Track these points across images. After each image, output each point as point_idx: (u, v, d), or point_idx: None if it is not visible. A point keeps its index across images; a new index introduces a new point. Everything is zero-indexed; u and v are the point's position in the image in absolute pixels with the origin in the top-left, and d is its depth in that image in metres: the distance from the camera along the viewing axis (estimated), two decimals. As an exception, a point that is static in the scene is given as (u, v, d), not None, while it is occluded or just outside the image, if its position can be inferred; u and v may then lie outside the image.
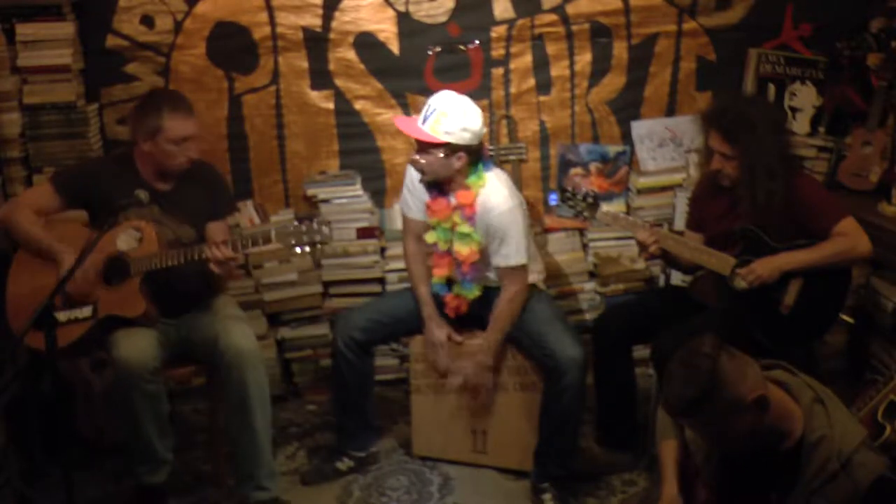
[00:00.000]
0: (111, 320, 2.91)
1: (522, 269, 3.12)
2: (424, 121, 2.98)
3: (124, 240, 2.93)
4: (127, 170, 3.02)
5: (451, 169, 3.01)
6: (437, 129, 2.94)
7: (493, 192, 3.06)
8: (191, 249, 2.89)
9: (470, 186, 3.06)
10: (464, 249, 3.10)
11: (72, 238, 2.94)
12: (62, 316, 2.85)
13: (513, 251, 3.06)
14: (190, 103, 3.04)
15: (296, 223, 2.86)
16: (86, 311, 2.91)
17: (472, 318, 3.24)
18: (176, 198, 3.05)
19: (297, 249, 2.86)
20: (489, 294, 3.20)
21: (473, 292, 3.19)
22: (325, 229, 2.83)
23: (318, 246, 2.88)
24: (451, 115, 2.94)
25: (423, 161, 3.02)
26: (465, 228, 3.08)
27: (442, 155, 2.98)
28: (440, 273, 3.21)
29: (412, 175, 3.19)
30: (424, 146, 2.99)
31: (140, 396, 2.84)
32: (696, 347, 2.12)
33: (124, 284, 2.92)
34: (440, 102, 2.97)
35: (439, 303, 3.25)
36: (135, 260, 2.91)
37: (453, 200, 3.09)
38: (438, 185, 3.10)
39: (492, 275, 3.21)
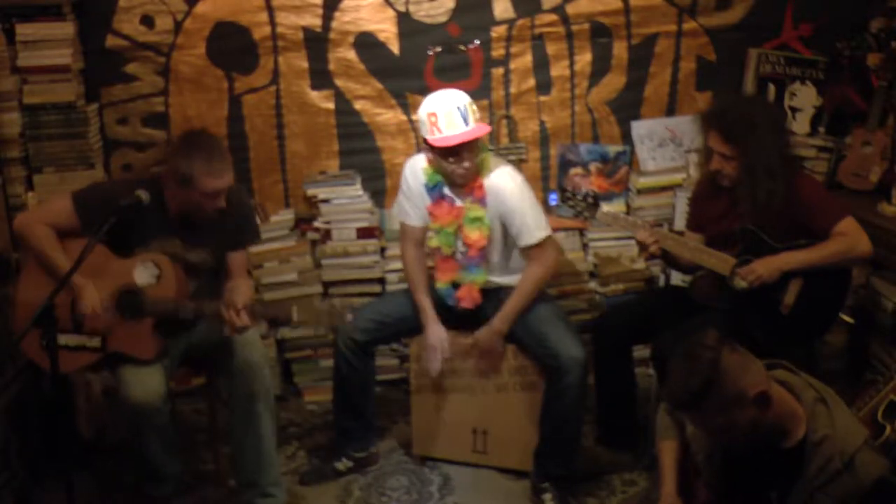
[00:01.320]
0: (120, 355, 2.87)
1: (551, 242, 3.14)
2: (466, 122, 2.95)
3: (142, 273, 2.86)
4: (154, 200, 2.84)
5: (482, 148, 3.07)
6: (477, 119, 2.98)
7: (497, 175, 3.09)
8: (207, 305, 2.86)
9: (477, 166, 3.07)
10: (473, 233, 3.10)
11: (88, 261, 2.73)
12: (71, 340, 2.81)
13: (536, 224, 3.07)
14: (226, 151, 2.89)
15: (319, 302, 2.83)
16: (95, 341, 2.85)
17: (476, 319, 3.24)
18: (201, 227, 2.93)
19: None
20: (493, 294, 3.20)
21: (482, 277, 3.19)
22: (348, 316, 2.81)
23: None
24: (471, 102, 2.98)
25: (472, 162, 3.01)
26: (475, 212, 3.09)
27: (481, 143, 3.03)
28: (445, 278, 3.21)
29: (408, 180, 3.20)
30: (470, 146, 2.97)
31: (149, 431, 2.84)
32: (699, 341, 2.13)
33: (137, 323, 2.85)
34: (457, 97, 2.97)
35: (447, 307, 3.24)
36: (150, 300, 2.84)
37: (458, 200, 3.10)
38: (445, 186, 3.11)
39: (494, 276, 3.22)
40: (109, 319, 2.84)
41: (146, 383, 2.80)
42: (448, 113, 2.94)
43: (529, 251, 3.12)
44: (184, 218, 2.89)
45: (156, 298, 2.84)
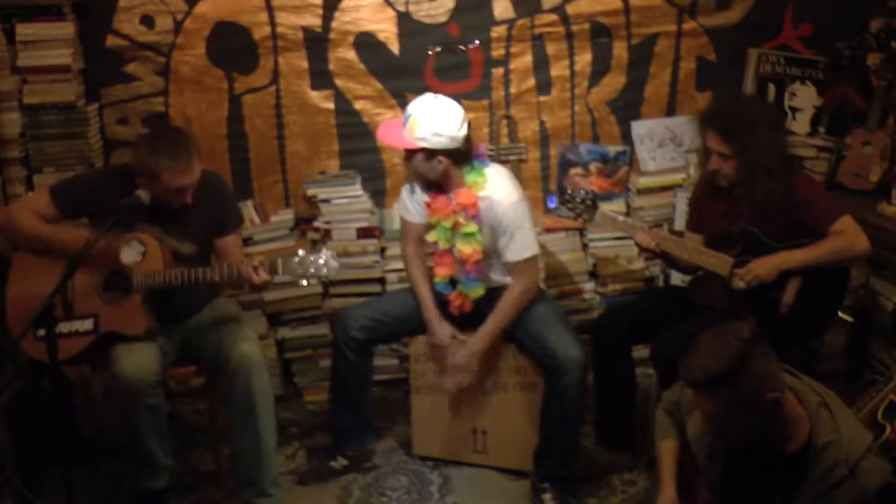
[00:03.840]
0: (112, 335, 2.89)
1: (534, 262, 3.13)
2: (404, 126, 3.00)
3: (127, 253, 2.88)
4: (128, 187, 2.88)
5: (436, 171, 3.03)
6: (413, 135, 2.97)
7: (497, 187, 3.07)
8: (195, 271, 2.87)
9: (470, 186, 3.06)
10: (466, 249, 3.11)
11: (76, 241, 2.80)
12: (63, 327, 2.82)
13: (523, 244, 3.07)
14: (192, 147, 2.89)
15: (301, 253, 2.83)
16: (87, 325, 2.87)
17: (475, 318, 3.23)
18: (179, 214, 2.95)
19: (304, 282, 2.87)
20: (493, 294, 3.20)
21: (477, 291, 3.19)
22: (332, 262, 2.82)
23: (324, 278, 2.86)
24: (424, 121, 2.95)
25: (409, 164, 3.06)
26: (469, 228, 3.09)
27: (423, 158, 3.00)
28: (442, 272, 3.21)
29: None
30: (408, 151, 3.02)
31: (141, 411, 2.84)
32: (736, 329, 2.10)
33: (126, 300, 2.89)
34: (415, 108, 2.99)
35: (443, 302, 3.25)
36: (138, 275, 2.87)
37: (454, 199, 3.10)
38: (436, 184, 3.11)
39: (495, 276, 3.21)
40: (99, 300, 2.87)
41: (138, 360, 2.82)
42: (405, 111, 3.02)
43: (511, 266, 3.12)
44: (158, 208, 2.91)
45: (144, 272, 2.87)
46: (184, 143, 2.88)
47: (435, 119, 2.96)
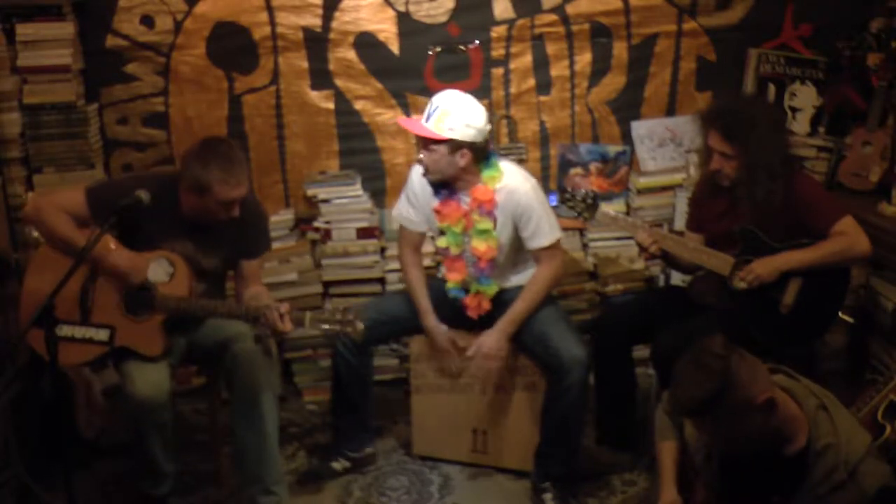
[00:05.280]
0: (125, 350, 2.86)
1: (559, 246, 3.15)
2: (428, 118, 2.99)
3: (155, 270, 2.86)
4: (168, 198, 2.85)
5: (455, 167, 3.02)
6: (441, 126, 2.96)
7: (511, 176, 3.10)
8: (219, 305, 2.89)
9: (486, 181, 3.07)
10: (481, 246, 3.11)
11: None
12: (78, 332, 2.79)
13: (548, 227, 3.09)
14: (243, 159, 2.88)
15: (329, 308, 2.82)
16: (102, 334, 2.82)
17: (484, 320, 3.23)
18: (214, 232, 2.93)
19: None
20: (504, 296, 3.20)
21: (492, 288, 3.20)
22: (358, 324, 2.82)
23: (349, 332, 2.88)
24: (455, 112, 2.96)
25: (427, 159, 3.03)
26: (483, 225, 3.09)
27: (446, 151, 2.99)
28: (455, 277, 3.21)
29: (415, 185, 3.20)
30: (428, 144, 3.00)
31: (151, 428, 2.83)
32: (707, 348, 2.11)
33: (147, 319, 2.85)
34: (443, 100, 2.99)
35: (458, 307, 3.24)
36: (161, 297, 2.84)
37: (467, 199, 3.10)
38: (447, 186, 3.10)
39: (504, 278, 3.22)
40: (118, 312, 2.85)
41: (152, 379, 2.80)
42: (429, 104, 3.01)
43: (539, 253, 3.12)
44: (197, 221, 2.90)
45: (167, 296, 2.85)
46: (235, 155, 2.85)
47: (465, 111, 2.97)
